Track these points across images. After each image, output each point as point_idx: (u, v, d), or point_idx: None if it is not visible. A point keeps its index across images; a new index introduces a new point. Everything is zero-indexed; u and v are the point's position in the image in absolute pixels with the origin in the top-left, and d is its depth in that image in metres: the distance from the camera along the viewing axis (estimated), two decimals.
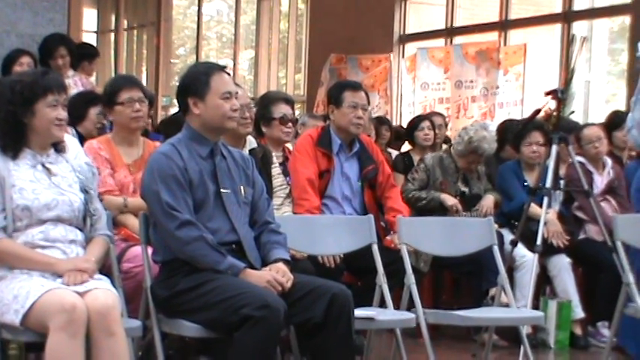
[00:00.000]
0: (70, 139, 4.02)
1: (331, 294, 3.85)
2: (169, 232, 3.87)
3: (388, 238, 5.50)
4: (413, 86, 11.03)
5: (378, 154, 5.73)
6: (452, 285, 6.67)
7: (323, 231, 4.79)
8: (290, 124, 5.63)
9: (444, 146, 7.73)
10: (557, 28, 10.31)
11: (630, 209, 5.98)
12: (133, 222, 4.49)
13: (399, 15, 11.88)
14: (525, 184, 6.41)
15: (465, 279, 6.42)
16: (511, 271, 6.01)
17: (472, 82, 10.27)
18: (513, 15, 10.77)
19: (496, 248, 4.99)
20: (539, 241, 5.55)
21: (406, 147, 8.42)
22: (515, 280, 6.11)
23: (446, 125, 8.96)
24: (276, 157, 5.43)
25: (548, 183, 5.65)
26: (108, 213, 4.05)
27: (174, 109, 14.13)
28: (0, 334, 3.63)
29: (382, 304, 4.60)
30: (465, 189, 6.43)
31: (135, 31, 17.21)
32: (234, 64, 15.26)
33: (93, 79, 8.30)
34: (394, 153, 8.23)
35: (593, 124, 7.03)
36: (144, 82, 15.55)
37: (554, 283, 6.32)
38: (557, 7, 10.39)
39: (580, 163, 6.16)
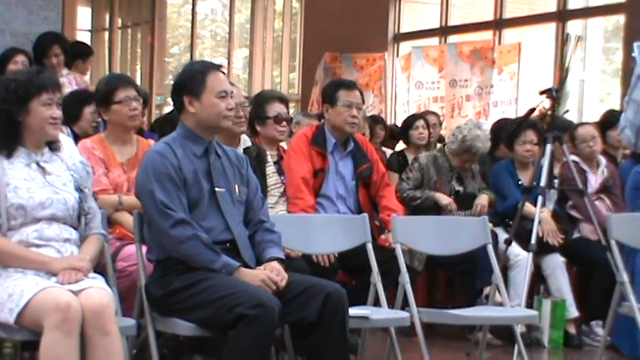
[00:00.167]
0: (64, 138, 4.01)
1: (326, 293, 3.85)
2: (164, 230, 3.87)
3: (383, 237, 5.50)
4: (407, 85, 11.04)
5: (372, 153, 5.73)
6: (446, 284, 6.67)
7: (317, 230, 4.79)
8: (284, 123, 5.63)
9: (438, 145, 7.74)
10: (551, 27, 10.33)
11: (624, 208, 5.99)
12: (128, 219, 4.48)
13: (393, 14, 11.89)
14: (519, 183, 6.41)
15: (459, 278, 6.43)
16: (505, 270, 6.01)
17: (466, 81, 10.28)
18: (508, 14, 10.78)
19: (490, 247, 4.99)
20: (533, 240, 5.55)
21: (400, 146, 8.43)
22: (510, 279, 6.12)
23: (440, 124, 8.98)
24: (270, 156, 5.43)
25: (543, 182, 5.66)
26: (102, 212, 4.05)
27: (168, 108, 14.12)
28: None
29: (376, 303, 4.60)
30: (460, 188, 6.44)
31: (129, 30, 17.20)
32: (229, 63, 15.26)
33: (87, 77, 8.28)
34: (388, 152, 8.24)
35: (587, 123, 7.03)
36: (138, 80, 15.54)
37: (549, 282, 6.33)
38: (552, 6, 10.40)
39: (574, 162, 6.17)
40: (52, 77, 3.86)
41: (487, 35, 10.72)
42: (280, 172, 5.47)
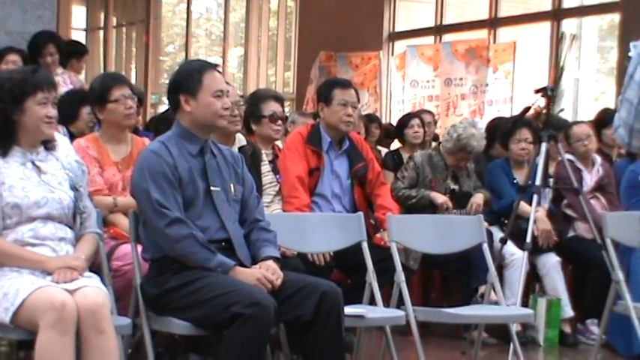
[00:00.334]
0: (60, 137, 4.01)
1: (321, 292, 3.85)
2: (159, 229, 3.86)
3: (378, 235, 5.50)
4: (402, 84, 11.04)
5: (367, 152, 5.73)
6: (441, 283, 6.68)
7: (313, 229, 4.79)
8: (280, 122, 5.63)
9: (433, 144, 7.74)
10: (546, 25, 10.34)
11: (619, 207, 6.00)
12: (123, 221, 4.48)
13: (388, 13, 11.89)
14: (515, 181, 6.41)
15: (454, 277, 6.43)
16: (500, 268, 6.01)
17: (461, 79, 10.28)
18: (503, 13, 10.78)
19: (486, 246, 4.99)
20: (528, 239, 5.56)
21: (396, 145, 8.43)
22: (505, 278, 6.12)
23: (435, 123, 8.98)
24: (265, 155, 5.43)
25: (538, 181, 5.66)
26: (98, 211, 4.04)
27: (163, 107, 14.11)
28: None
29: (372, 302, 4.60)
30: (455, 187, 6.44)
31: (124, 29, 17.18)
32: (224, 62, 15.24)
33: (82, 76, 8.28)
34: (384, 151, 8.24)
35: (582, 122, 7.05)
36: (133, 79, 15.53)
37: (544, 282, 6.33)
38: (547, 5, 10.41)
39: (569, 160, 6.17)
40: (47, 76, 3.86)
41: (482, 34, 10.73)
42: (275, 170, 5.46)
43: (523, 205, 5.87)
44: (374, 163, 5.73)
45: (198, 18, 18.43)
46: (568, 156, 6.27)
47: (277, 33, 14.98)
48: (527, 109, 6.07)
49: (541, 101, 5.90)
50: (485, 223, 5.40)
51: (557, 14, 10.12)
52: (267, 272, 3.88)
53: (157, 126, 6.32)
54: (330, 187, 5.53)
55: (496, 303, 5.05)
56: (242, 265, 3.93)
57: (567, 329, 6.27)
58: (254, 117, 5.59)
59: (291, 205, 5.30)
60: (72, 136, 5.30)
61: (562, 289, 6.26)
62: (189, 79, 4.00)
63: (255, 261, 3.99)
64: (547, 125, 5.75)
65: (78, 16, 16.99)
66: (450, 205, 6.27)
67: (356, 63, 11.65)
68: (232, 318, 3.65)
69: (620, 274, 4.94)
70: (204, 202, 3.97)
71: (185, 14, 16.86)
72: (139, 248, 4.09)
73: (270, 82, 14.91)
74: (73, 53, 7.77)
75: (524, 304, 5.90)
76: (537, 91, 5.76)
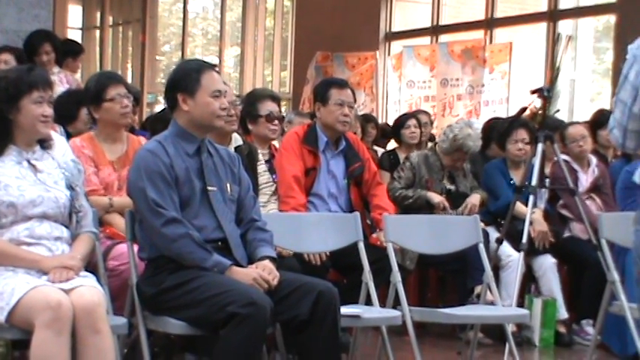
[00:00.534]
0: (57, 136, 4.01)
1: (317, 291, 3.85)
2: (155, 229, 3.86)
3: (374, 235, 5.49)
4: (399, 84, 11.05)
5: (364, 152, 5.73)
6: (437, 283, 6.68)
7: (309, 228, 4.79)
8: (276, 122, 5.63)
9: (430, 144, 7.75)
10: (542, 26, 10.35)
11: (615, 207, 6.00)
12: (119, 221, 4.47)
13: (385, 13, 11.90)
14: (511, 182, 6.41)
15: (450, 277, 6.43)
16: (496, 270, 6.01)
17: (458, 80, 10.29)
18: (499, 13, 10.80)
19: (482, 246, 4.99)
20: (524, 240, 5.56)
21: (392, 145, 8.43)
22: (501, 279, 6.12)
23: (431, 123, 8.99)
24: (262, 155, 5.42)
25: (534, 181, 5.66)
26: (94, 210, 4.03)
27: (159, 107, 14.11)
28: None
29: (368, 302, 4.60)
30: (451, 187, 6.44)
31: (120, 28, 17.18)
32: (220, 61, 15.25)
33: (78, 75, 8.27)
34: (380, 151, 8.24)
35: (577, 123, 7.05)
36: (129, 79, 15.54)
37: (540, 283, 6.33)
38: (543, 6, 10.43)
39: (565, 161, 6.18)
40: (43, 75, 3.85)
41: (478, 34, 10.74)
42: (272, 170, 5.46)
43: (519, 206, 5.87)
44: (370, 163, 5.72)
45: (195, 17, 18.43)
46: (564, 156, 6.27)
47: (274, 33, 14.98)
48: (524, 109, 6.07)
49: (537, 102, 5.92)
50: (482, 224, 5.40)
51: (553, 15, 10.13)
52: (264, 272, 3.87)
53: (153, 125, 6.31)
54: (327, 186, 5.53)
55: (492, 303, 5.05)
56: (238, 264, 3.92)
57: (563, 329, 6.27)
58: (250, 117, 5.58)
59: (287, 204, 5.30)
60: (69, 136, 5.28)
61: (557, 291, 6.26)
62: (187, 78, 4.00)
63: (251, 261, 3.99)
64: (543, 126, 5.76)
65: (74, 15, 16.99)
66: (447, 204, 6.28)
67: (352, 63, 11.65)
68: (228, 318, 3.65)
69: (615, 275, 4.95)
70: (201, 201, 3.96)
71: (181, 13, 16.88)
72: (135, 248, 4.09)
73: (267, 82, 14.91)
74: (69, 52, 7.76)
75: (520, 304, 5.91)
76: (533, 92, 5.76)
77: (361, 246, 4.70)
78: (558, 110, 9.18)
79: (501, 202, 6.29)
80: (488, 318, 4.99)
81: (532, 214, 5.81)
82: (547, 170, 6.47)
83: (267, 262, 3.95)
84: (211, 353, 3.77)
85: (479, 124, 6.98)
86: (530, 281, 6.39)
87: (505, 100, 9.86)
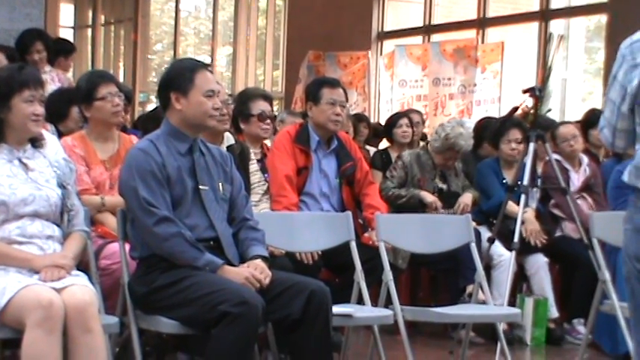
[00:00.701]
0: (49, 135, 4.00)
1: (309, 291, 3.85)
2: (147, 228, 3.86)
3: (366, 235, 5.50)
4: (391, 83, 11.04)
5: (356, 151, 5.74)
6: (429, 282, 6.68)
7: (301, 228, 4.79)
8: (268, 121, 5.62)
9: (421, 143, 7.75)
10: (534, 26, 10.36)
11: (606, 207, 6.01)
12: (111, 220, 4.46)
13: (377, 12, 11.90)
14: (504, 181, 6.41)
15: (442, 276, 6.43)
16: (488, 269, 6.02)
17: (450, 79, 10.29)
18: (491, 13, 10.81)
19: (473, 245, 5.00)
20: (516, 239, 5.57)
21: (384, 144, 8.43)
22: (493, 278, 6.12)
23: (423, 122, 8.99)
24: (254, 154, 5.42)
25: (526, 180, 5.67)
26: (85, 209, 4.03)
27: (151, 106, 14.09)
28: None
29: (360, 301, 4.60)
30: (443, 186, 6.45)
31: (112, 27, 17.15)
32: (212, 61, 15.22)
33: (70, 74, 8.26)
34: (372, 150, 8.24)
35: (568, 122, 7.06)
36: (121, 78, 15.52)
37: (531, 282, 6.34)
38: (535, 6, 10.44)
39: (557, 160, 6.18)
40: (34, 74, 3.85)
41: (470, 34, 10.74)
42: (264, 169, 5.46)
43: (511, 205, 5.87)
44: (362, 163, 5.73)
45: (187, 16, 18.40)
46: (555, 156, 6.28)
47: (266, 32, 14.97)
48: (515, 109, 6.08)
49: (529, 101, 5.92)
50: (474, 223, 5.41)
51: (545, 15, 10.14)
52: (256, 271, 3.87)
53: (145, 124, 6.30)
54: (319, 186, 5.53)
55: (484, 302, 5.05)
56: (230, 264, 3.92)
57: (553, 326, 6.28)
58: (242, 116, 5.58)
59: (279, 204, 5.30)
60: (60, 135, 5.27)
61: (549, 290, 6.27)
62: (181, 77, 4.00)
63: (243, 260, 3.99)
64: (535, 125, 5.77)
65: (66, 13, 16.96)
66: (440, 204, 6.28)
67: (344, 62, 11.64)
68: (220, 317, 3.65)
69: (606, 274, 4.96)
70: (193, 200, 3.96)
71: (173, 12, 16.84)
72: (127, 247, 4.08)
73: (259, 81, 14.90)
74: (60, 51, 7.75)
75: (511, 303, 5.92)
76: (525, 91, 5.77)
77: (353, 245, 4.70)
78: (550, 110, 9.19)
79: (493, 202, 6.30)
80: (480, 317, 5.00)
81: (524, 214, 5.82)
82: (539, 170, 6.47)
83: (259, 262, 3.95)
84: (203, 352, 3.77)
85: (471, 123, 6.99)
86: (521, 280, 6.40)
87: (497, 100, 9.87)
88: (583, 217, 5.78)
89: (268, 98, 5.75)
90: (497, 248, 6.07)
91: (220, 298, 3.67)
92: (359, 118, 8.68)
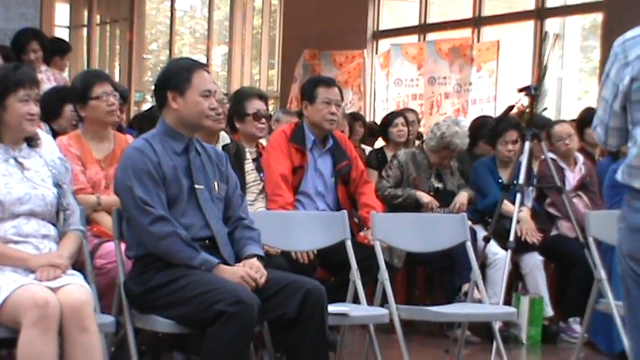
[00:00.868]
0: (44, 135, 4.00)
1: (305, 290, 3.85)
2: (143, 227, 3.85)
3: (362, 234, 5.50)
4: (386, 82, 11.05)
5: (351, 150, 5.74)
6: (425, 281, 6.68)
7: (296, 227, 4.79)
8: (264, 120, 5.62)
9: (417, 142, 7.75)
10: (529, 25, 10.37)
11: (602, 205, 6.02)
12: (107, 220, 4.46)
13: (372, 11, 11.90)
14: (500, 180, 6.41)
15: (437, 275, 6.44)
16: (484, 267, 6.03)
17: (445, 78, 10.30)
18: (486, 12, 10.81)
19: (469, 244, 5.00)
20: (511, 238, 5.57)
21: (380, 143, 8.43)
22: (488, 277, 6.13)
23: (419, 121, 8.99)
24: (249, 153, 5.42)
25: (521, 179, 5.68)
26: (81, 208, 4.03)
27: (147, 105, 14.08)
28: None
29: (356, 300, 4.60)
30: (439, 185, 6.45)
31: (108, 26, 17.13)
32: (208, 60, 15.22)
33: (65, 74, 8.25)
34: (368, 149, 8.24)
35: (563, 121, 7.06)
36: (116, 77, 15.50)
37: (526, 280, 6.35)
38: (530, 4, 10.45)
39: (552, 159, 6.19)
40: (29, 73, 3.85)
41: (466, 33, 10.75)
42: (259, 169, 5.46)
43: (506, 204, 5.88)
44: (358, 162, 5.73)
45: (182, 16, 18.38)
46: (550, 155, 6.29)
47: (261, 31, 14.97)
48: (511, 107, 6.08)
49: (524, 100, 5.92)
50: (469, 222, 5.41)
51: (540, 13, 10.15)
52: (251, 270, 3.87)
53: (140, 124, 6.29)
54: (314, 185, 5.53)
55: (479, 301, 5.06)
56: (226, 263, 3.92)
57: (549, 327, 6.29)
58: (238, 115, 5.58)
59: (274, 203, 5.30)
60: (54, 134, 5.27)
61: (544, 289, 6.28)
62: (178, 76, 3.99)
63: (238, 259, 3.99)
64: (530, 124, 5.77)
65: (61, 13, 16.92)
66: (436, 204, 6.28)
67: (340, 61, 11.65)
68: (216, 316, 3.65)
69: (602, 273, 4.96)
70: (188, 200, 3.96)
71: (169, 12, 16.83)
72: (123, 246, 4.08)
73: (254, 80, 14.90)
74: (56, 50, 7.75)
75: (507, 302, 5.92)
76: (521, 90, 5.77)
77: (349, 244, 4.70)
78: (546, 108, 9.20)
79: (489, 201, 6.30)
80: (476, 316, 5.00)
81: (519, 213, 5.82)
82: (535, 168, 6.48)
83: (254, 261, 3.94)
84: (199, 351, 3.77)
85: (466, 122, 7.00)
86: (517, 279, 6.41)
87: (492, 99, 9.88)
88: (579, 216, 5.79)
89: (264, 97, 5.75)
90: (493, 247, 6.08)
91: (216, 298, 3.67)
92: (354, 117, 8.68)
